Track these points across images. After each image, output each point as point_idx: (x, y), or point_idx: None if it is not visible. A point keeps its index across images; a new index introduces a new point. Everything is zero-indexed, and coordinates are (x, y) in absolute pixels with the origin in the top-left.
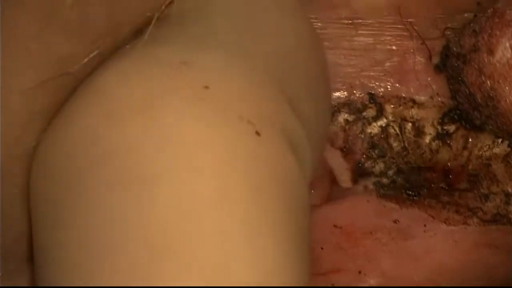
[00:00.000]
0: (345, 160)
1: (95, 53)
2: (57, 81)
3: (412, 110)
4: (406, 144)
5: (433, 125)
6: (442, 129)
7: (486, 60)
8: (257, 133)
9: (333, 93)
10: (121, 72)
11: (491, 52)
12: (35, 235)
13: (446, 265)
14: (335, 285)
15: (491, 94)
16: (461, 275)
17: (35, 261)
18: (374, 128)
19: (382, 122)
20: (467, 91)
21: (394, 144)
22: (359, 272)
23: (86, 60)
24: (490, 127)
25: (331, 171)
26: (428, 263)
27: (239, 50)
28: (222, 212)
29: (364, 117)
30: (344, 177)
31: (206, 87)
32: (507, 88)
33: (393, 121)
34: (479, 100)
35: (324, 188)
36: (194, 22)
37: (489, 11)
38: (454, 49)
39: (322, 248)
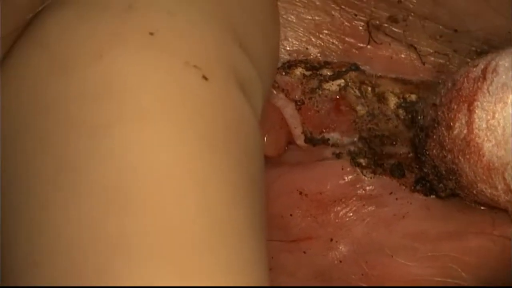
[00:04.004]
0: (299, 113)
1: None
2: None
3: None
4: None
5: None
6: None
7: (445, 135)
8: (204, 77)
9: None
10: (64, 21)
11: (449, 127)
12: None
13: (420, 231)
14: (307, 252)
15: (454, 168)
16: (436, 240)
17: None
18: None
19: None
20: (432, 163)
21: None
22: (331, 240)
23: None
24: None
25: (286, 122)
26: (401, 229)
27: None
28: (171, 162)
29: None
30: (298, 131)
31: (151, 34)
32: (466, 164)
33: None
34: (444, 173)
35: (278, 140)
36: None
37: (449, 82)
38: (418, 119)
39: (291, 215)
